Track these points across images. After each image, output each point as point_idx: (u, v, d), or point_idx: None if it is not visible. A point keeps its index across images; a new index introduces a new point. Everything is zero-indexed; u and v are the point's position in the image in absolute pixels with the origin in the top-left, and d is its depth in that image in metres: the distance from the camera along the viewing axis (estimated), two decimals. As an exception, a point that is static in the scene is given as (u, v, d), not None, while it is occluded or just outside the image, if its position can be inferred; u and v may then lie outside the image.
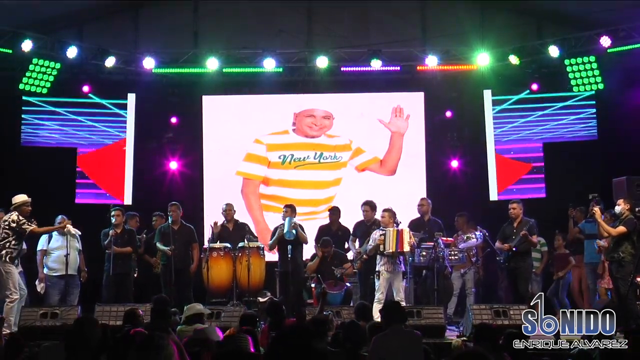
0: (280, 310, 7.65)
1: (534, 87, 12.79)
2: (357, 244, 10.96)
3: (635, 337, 5.99)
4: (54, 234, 10.53)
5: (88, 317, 6.71)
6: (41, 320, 8.98)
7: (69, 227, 10.17)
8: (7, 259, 9.44)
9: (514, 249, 10.12)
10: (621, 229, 9.43)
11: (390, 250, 9.88)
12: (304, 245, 10.81)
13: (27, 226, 9.56)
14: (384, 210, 10.23)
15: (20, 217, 9.56)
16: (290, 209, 10.78)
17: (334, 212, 11.66)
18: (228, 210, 11.25)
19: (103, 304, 9.78)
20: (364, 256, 10.37)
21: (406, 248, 9.93)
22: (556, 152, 12.96)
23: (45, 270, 10.51)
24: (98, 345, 4.91)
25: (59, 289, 10.46)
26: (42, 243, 10.60)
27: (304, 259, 11.15)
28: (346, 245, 11.31)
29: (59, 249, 10.47)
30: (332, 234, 11.29)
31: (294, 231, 10.47)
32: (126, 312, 7.68)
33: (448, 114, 13.29)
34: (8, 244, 9.50)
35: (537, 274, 11.37)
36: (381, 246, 9.93)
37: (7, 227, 9.52)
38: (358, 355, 6.08)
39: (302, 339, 3.49)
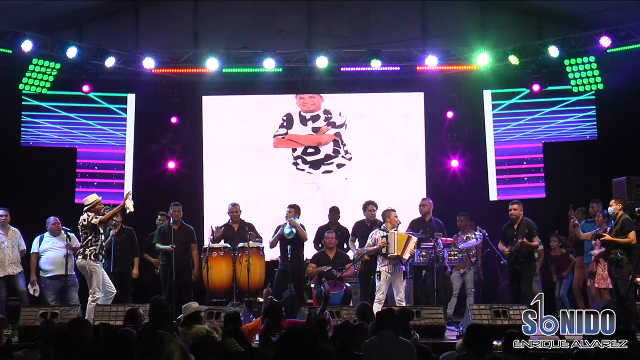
0: (279, 311, 7.64)
1: (535, 87, 12.76)
2: (357, 244, 10.96)
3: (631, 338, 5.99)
4: (46, 234, 10.69)
5: (81, 319, 6.71)
6: (41, 320, 8.97)
7: (128, 202, 10.04)
8: (92, 257, 9.70)
9: (514, 254, 10.19)
10: (632, 235, 9.39)
11: (396, 254, 9.89)
12: (304, 244, 10.84)
13: (95, 220, 9.79)
14: (392, 211, 10.22)
15: (89, 214, 9.77)
16: (293, 209, 10.82)
17: (334, 211, 11.65)
18: (234, 211, 11.24)
19: (103, 303, 9.79)
20: (365, 257, 10.38)
21: (406, 256, 9.96)
22: (556, 152, 12.96)
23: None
24: (91, 346, 4.90)
25: (52, 290, 10.54)
26: (34, 246, 10.64)
27: (304, 259, 11.17)
28: (345, 246, 11.31)
29: (50, 250, 10.60)
30: None
31: (294, 229, 10.51)
32: (127, 312, 7.69)
33: (449, 114, 13.25)
34: (89, 242, 9.75)
35: (536, 273, 11.37)
36: (384, 248, 9.93)
37: (82, 228, 9.80)
38: (351, 355, 6.10)
39: (310, 340, 3.50)
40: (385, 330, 6.21)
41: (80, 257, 9.79)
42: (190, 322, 7.22)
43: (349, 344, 6.15)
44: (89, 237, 9.76)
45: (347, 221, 11.55)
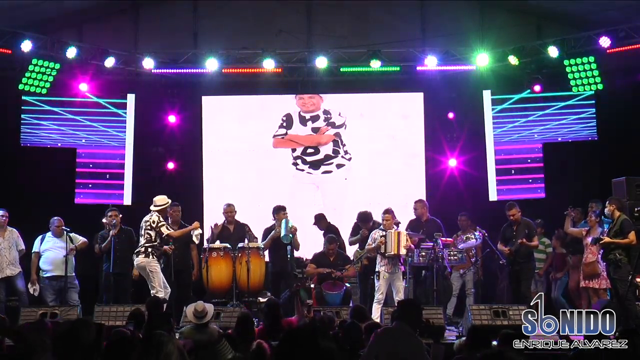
0: (276, 310, 7.62)
1: (537, 88, 12.73)
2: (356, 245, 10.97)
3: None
4: (47, 234, 10.65)
5: (82, 319, 6.68)
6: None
7: (197, 232, 10.34)
8: (154, 256, 9.77)
9: (514, 254, 10.19)
10: (632, 236, 9.38)
11: (393, 253, 9.90)
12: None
13: (165, 230, 9.87)
14: (386, 212, 10.22)
15: (161, 219, 9.87)
16: (282, 211, 10.79)
17: (320, 220, 11.62)
18: (229, 211, 11.20)
19: (102, 304, 9.79)
20: (364, 260, 10.39)
21: (402, 251, 9.96)
22: (556, 152, 12.95)
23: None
24: (92, 345, 4.90)
25: (51, 290, 10.54)
26: (36, 245, 10.62)
27: (304, 259, 11.18)
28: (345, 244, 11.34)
29: (50, 250, 10.57)
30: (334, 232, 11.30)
31: (290, 235, 10.43)
32: (132, 312, 7.69)
33: (450, 115, 13.25)
34: (151, 241, 9.79)
35: (540, 274, 11.36)
36: (382, 247, 9.94)
37: (149, 227, 9.83)
38: (357, 356, 6.09)
39: (310, 338, 3.51)
40: (401, 322, 6.10)
41: (142, 255, 9.77)
42: (206, 325, 7.08)
43: (356, 345, 6.12)
44: (153, 237, 9.81)
45: (347, 221, 11.55)
